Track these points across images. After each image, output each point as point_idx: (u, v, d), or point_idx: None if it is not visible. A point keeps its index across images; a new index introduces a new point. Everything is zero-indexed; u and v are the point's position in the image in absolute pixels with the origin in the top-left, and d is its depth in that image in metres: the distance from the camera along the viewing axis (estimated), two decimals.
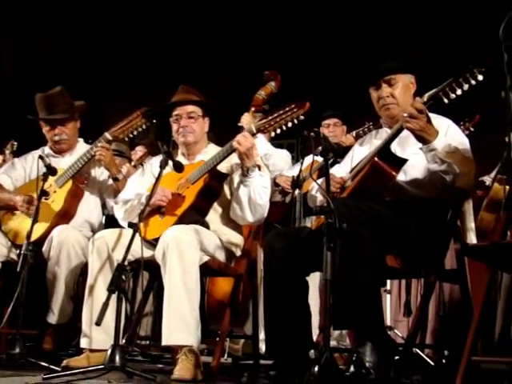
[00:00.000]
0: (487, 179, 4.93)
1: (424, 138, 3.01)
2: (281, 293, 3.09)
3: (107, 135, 4.09)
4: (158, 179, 3.32)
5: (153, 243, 3.42)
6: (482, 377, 3.17)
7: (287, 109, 3.35)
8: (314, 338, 3.27)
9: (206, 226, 3.56)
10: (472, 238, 4.46)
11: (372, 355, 2.73)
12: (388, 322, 4.54)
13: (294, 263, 3.10)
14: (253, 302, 3.94)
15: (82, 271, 3.86)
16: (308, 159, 4.30)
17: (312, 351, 2.73)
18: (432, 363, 3.85)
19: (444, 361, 4.00)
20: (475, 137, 3.56)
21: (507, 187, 4.44)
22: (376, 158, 3.12)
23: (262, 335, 3.86)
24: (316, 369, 2.30)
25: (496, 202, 4.90)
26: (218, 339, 3.60)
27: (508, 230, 3.30)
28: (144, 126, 4.05)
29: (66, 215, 4.13)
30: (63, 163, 4.27)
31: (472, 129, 4.83)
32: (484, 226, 4.99)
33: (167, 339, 3.16)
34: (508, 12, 2.07)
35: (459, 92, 2.91)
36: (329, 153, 2.93)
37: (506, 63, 2.05)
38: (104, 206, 4.38)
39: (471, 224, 4.55)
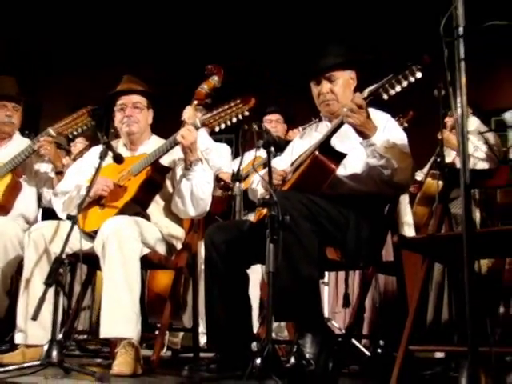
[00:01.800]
0: (419, 175, 4.99)
1: (364, 132, 3.01)
2: (222, 285, 3.07)
3: (50, 130, 3.95)
4: (97, 170, 3.22)
5: (92, 235, 3.32)
6: (417, 364, 3.19)
7: (232, 104, 3.32)
8: (254, 331, 3.25)
9: (147, 218, 3.49)
10: (406, 231, 4.51)
11: (312, 346, 2.72)
12: (326, 313, 4.54)
13: (234, 256, 3.08)
14: (193, 295, 3.89)
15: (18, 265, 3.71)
16: (249, 154, 4.27)
17: (254, 343, 2.70)
18: (368, 353, 3.87)
19: (380, 350, 4.02)
20: (409, 133, 3.57)
21: (440, 182, 4.50)
22: (317, 152, 3.11)
23: (201, 328, 3.82)
24: (258, 361, 2.26)
25: (429, 196, 4.99)
26: (157, 332, 3.54)
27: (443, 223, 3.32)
28: (89, 125, 3.93)
29: (2, 208, 3.98)
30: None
31: (406, 124, 4.87)
32: (418, 220, 5.08)
33: (106, 332, 3.06)
34: (446, 9, 2.04)
35: (398, 88, 2.94)
36: (271, 145, 2.91)
37: (446, 59, 2.02)
38: (40, 198, 4.24)
39: (406, 218, 4.61)
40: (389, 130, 3.22)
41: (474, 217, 4.48)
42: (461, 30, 1.99)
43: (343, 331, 4.39)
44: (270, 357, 2.28)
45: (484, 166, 4.45)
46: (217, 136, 4.73)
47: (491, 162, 4.42)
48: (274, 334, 4.33)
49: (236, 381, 2.37)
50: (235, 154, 5.26)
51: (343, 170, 3.18)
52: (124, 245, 3.11)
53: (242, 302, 3.10)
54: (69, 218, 3.04)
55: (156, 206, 3.57)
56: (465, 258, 1.94)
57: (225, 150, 4.66)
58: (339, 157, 3.10)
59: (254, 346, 2.40)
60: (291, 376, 2.47)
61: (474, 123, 4.79)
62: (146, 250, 3.33)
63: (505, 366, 1.49)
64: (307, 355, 2.68)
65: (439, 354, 3.91)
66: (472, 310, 1.91)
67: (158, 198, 3.57)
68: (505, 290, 3.84)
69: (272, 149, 2.97)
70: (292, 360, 2.68)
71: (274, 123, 5.16)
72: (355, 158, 3.14)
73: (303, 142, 3.59)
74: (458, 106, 2.02)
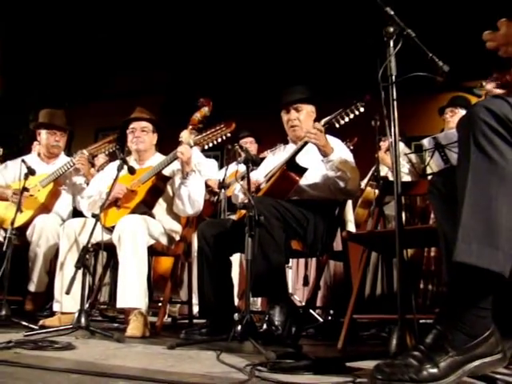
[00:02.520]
0: (361, 184, 5.03)
1: (325, 151, 3.07)
2: (210, 269, 3.06)
3: (85, 151, 4.02)
4: (115, 179, 3.22)
5: (110, 229, 3.31)
6: (357, 327, 3.23)
7: (217, 127, 3.34)
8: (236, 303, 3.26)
9: (153, 216, 3.47)
10: (349, 227, 4.54)
11: (280, 316, 2.74)
12: (290, 290, 4.56)
13: (220, 246, 3.08)
14: (188, 276, 3.90)
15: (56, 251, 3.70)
16: (231, 167, 4.31)
17: (236, 314, 2.72)
18: (321, 320, 3.89)
19: (330, 318, 4.05)
20: (354, 153, 3.62)
21: (376, 190, 4.54)
22: (285, 167, 3.14)
23: (194, 300, 3.81)
24: (239, 327, 2.27)
25: (368, 201, 5.02)
26: (160, 304, 3.54)
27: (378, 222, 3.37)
28: (114, 148, 3.96)
29: (45, 208, 3.99)
30: (48, 169, 4.14)
31: (352, 147, 4.90)
32: (358, 218, 5.11)
33: (122, 303, 3.06)
34: (384, 60, 2.07)
35: (347, 119, 2.99)
36: (249, 162, 2.92)
37: (383, 99, 2.05)
38: (73, 200, 4.24)
39: (349, 217, 4.63)
40: (341, 151, 3.26)
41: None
42: (393, 77, 2.03)
43: (303, 303, 4.40)
44: (248, 324, 2.29)
45: (408, 178, 4.51)
46: (207, 152, 4.75)
47: (413, 176, 4.48)
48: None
49: (222, 342, 2.38)
50: (221, 166, 5.28)
51: (305, 181, 3.20)
52: (135, 237, 3.11)
53: (226, 282, 3.10)
54: (93, 216, 3.03)
55: (159, 207, 3.55)
56: (397, 248, 1.96)
57: (212, 164, 4.68)
58: (302, 171, 3.14)
59: (236, 316, 2.41)
60: (264, 338, 2.48)
61: (401, 147, 4.86)
62: (152, 241, 3.33)
63: (425, 328, 1.52)
64: (276, 322, 2.70)
65: None
66: (401, 287, 1.94)
67: (161, 200, 3.55)
68: (425, 271, 3.89)
69: (250, 164, 3.00)
70: (264, 326, 2.70)
71: (248, 144, 5.19)
72: (314, 172, 3.17)
73: (274, 158, 3.60)
74: (391, 134, 2.05)
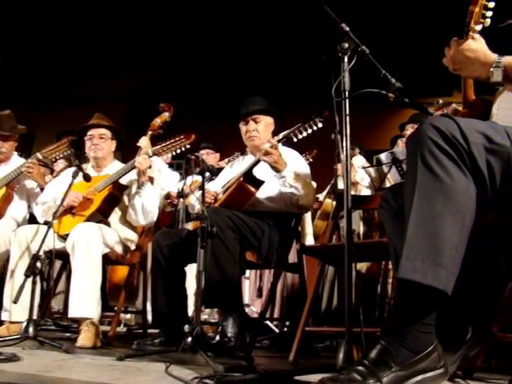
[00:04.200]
0: (320, 196, 5.06)
1: (277, 168, 3.06)
2: (164, 280, 3.02)
3: (38, 155, 3.86)
4: (70, 186, 3.18)
5: (64, 237, 3.24)
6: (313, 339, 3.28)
7: (177, 138, 3.34)
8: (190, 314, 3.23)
9: (108, 225, 3.43)
10: (308, 240, 4.55)
11: (233, 327, 2.72)
12: (246, 300, 4.54)
13: (175, 256, 3.04)
14: (143, 285, 3.86)
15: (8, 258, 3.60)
16: (191, 177, 4.28)
17: (187, 326, 2.67)
18: (277, 331, 3.88)
19: (286, 329, 4.05)
20: (313, 165, 3.65)
21: (334, 203, 4.57)
22: (242, 179, 3.13)
23: (149, 308, 3.76)
24: (189, 339, 2.24)
25: (326, 213, 5.05)
26: (114, 314, 3.49)
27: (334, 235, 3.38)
28: (68, 152, 3.86)
29: None
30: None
31: (311, 160, 4.93)
32: (318, 230, 5.13)
33: (73, 312, 3.02)
34: (338, 75, 2.08)
35: (305, 134, 3.02)
36: (205, 172, 2.90)
37: (336, 112, 2.06)
38: (29, 206, 4.12)
39: (308, 229, 4.65)
40: (297, 164, 3.27)
41: (359, 230, 4.58)
42: (346, 93, 2.04)
43: (257, 313, 4.39)
44: (199, 336, 2.26)
45: (368, 192, 4.56)
46: (171, 160, 4.76)
47: (372, 189, 4.53)
48: (206, 316, 4.38)
49: (173, 354, 2.35)
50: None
51: (261, 193, 3.18)
52: (89, 245, 3.06)
53: (180, 292, 3.06)
54: (45, 223, 2.98)
55: (115, 215, 3.51)
56: (345, 261, 1.96)
57: (173, 175, 4.65)
58: (259, 183, 3.13)
59: (187, 327, 2.38)
60: (216, 350, 2.46)
61: (361, 160, 4.91)
62: (107, 250, 3.29)
63: (373, 341, 1.53)
64: (229, 334, 2.67)
65: None
66: (349, 301, 1.93)
67: (116, 209, 3.51)
68: (382, 284, 3.92)
69: (207, 174, 2.99)
70: (217, 337, 2.68)
71: (205, 155, 5.17)
72: (271, 185, 3.16)
73: (232, 170, 3.58)
74: (343, 148, 2.06)
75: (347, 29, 2.03)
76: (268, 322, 4.04)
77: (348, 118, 2.01)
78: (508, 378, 1.90)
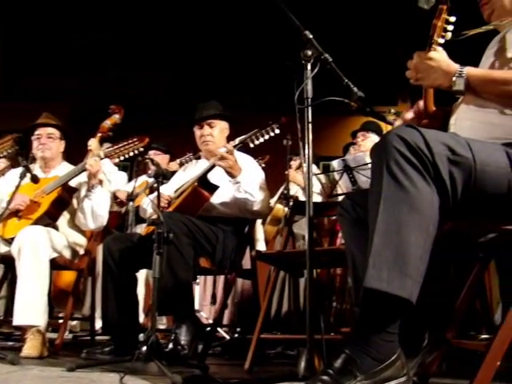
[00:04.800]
0: (271, 201, 5.07)
1: (232, 173, 3.04)
2: (115, 285, 2.93)
3: None
4: (17, 188, 3.03)
5: (9, 241, 3.11)
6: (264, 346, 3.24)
7: (130, 141, 3.26)
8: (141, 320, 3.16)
9: (56, 228, 3.30)
10: (259, 246, 4.54)
11: (186, 335, 2.67)
12: (196, 306, 4.48)
13: (126, 262, 2.95)
14: (91, 291, 3.73)
15: None
16: (140, 179, 4.21)
17: (142, 334, 2.61)
18: (228, 337, 3.85)
19: (237, 335, 4.02)
20: (266, 170, 3.64)
21: (286, 209, 4.58)
22: (196, 184, 3.09)
23: (98, 314, 3.65)
24: (144, 348, 2.18)
25: (277, 218, 5.06)
26: (61, 321, 3.37)
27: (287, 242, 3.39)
28: (12, 150, 3.69)
29: None
30: None
31: (264, 165, 4.92)
32: (268, 235, 5.13)
33: (19, 320, 2.86)
34: (301, 83, 2.08)
35: (261, 140, 3.02)
36: (160, 176, 2.85)
37: (298, 119, 2.06)
38: None
39: (259, 235, 4.64)
40: (252, 170, 3.26)
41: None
42: (309, 100, 2.04)
43: (210, 320, 4.34)
44: (154, 345, 2.20)
45: (319, 198, 4.59)
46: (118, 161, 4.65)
47: (323, 196, 4.56)
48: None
49: (126, 363, 2.28)
50: (130, 177, 5.14)
51: (216, 199, 3.15)
52: (36, 250, 2.93)
53: (131, 298, 2.98)
54: None
55: (64, 219, 3.38)
56: (307, 269, 1.95)
57: (122, 176, 4.56)
58: (213, 188, 3.09)
59: (142, 336, 2.31)
60: (169, 358, 2.40)
61: (312, 167, 4.95)
62: (55, 254, 3.15)
63: (332, 348, 1.52)
64: (182, 342, 2.62)
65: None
66: (310, 308, 1.92)
67: (65, 212, 3.39)
68: (329, 289, 3.94)
69: (160, 179, 2.93)
70: (170, 345, 2.62)
71: (153, 155, 5.10)
72: (225, 190, 3.13)
73: (185, 174, 3.53)
74: (305, 156, 2.06)
75: (310, 36, 2.02)
76: (218, 328, 4.00)
77: (310, 125, 2.00)
78: (461, 383, 1.94)
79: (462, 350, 2.07)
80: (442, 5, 1.74)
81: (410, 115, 1.99)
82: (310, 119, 2.03)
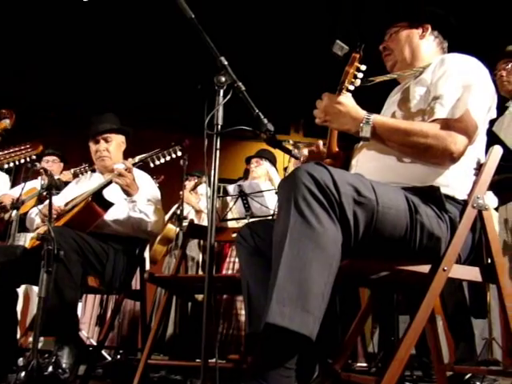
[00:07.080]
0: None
1: (128, 191, 2.96)
2: None
3: None
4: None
5: None
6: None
7: (23, 147, 3.03)
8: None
9: None
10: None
11: (69, 358, 2.51)
12: None
13: (7, 276, 2.72)
14: None
15: None
16: (29, 184, 3.96)
17: (21, 359, 2.41)
18: (109, 358, 3.69)
19: (119, 357, 3.86)
20: (161, 189, 3.56)
21: (177, 229, 4.51)
22: (90, 199, 2.94)
23: None
24: (23, 374, 2.01)
25: (167, 238, 4.97)
26: None
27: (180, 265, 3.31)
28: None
29: None
30: None
31: (158, 184, 4.83)
32: (156, 255, 5.02)
33: None
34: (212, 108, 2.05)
35: (162, 160, 2.93)
36: (52, 188, 2.68)
37: (206, 146, 2.01)
38: None
39: (145, 254, 4.51)
40: (149, 189, 3.19)
41: (198, 258, 4.57)
42: (219, 127, 2.01)
43: (91, 340, 4.12)
44: (34, 370, 2.03)
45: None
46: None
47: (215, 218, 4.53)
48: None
49: None
50: (13, 182, 4.83)
51: (109, 216, 3.02)
52: None
53: (10, 317, 2.75)
54: None
55: None
56: (205, 294, 1.87)
57: (5, 178, 4.28)
58: (108, 205, 2.96)
59: (21, 361, 2.11)
60: (49, 383, 2.24)
61: (206, 189, 4.93)
62: None
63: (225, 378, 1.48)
64: (64, 365, 2.45)
65: None
66: (207, 334, 1.85)
67: None
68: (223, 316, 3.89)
69: (54, 188, 2.77)
70: (50, 369, 2.45)
71: (50, 163, 4.83)
72: (120, 208, 3.02)
73: (78, 187, 3.36)
74: (212, 182, 2.02)
75: (226, 63, 2.00)
76: (103, 351, 3.82)
77: (218, 152, 1.97)
78: None
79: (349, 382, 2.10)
80: (356, 53, 1.81)
81: (305, 152, 2.04)
82: (219, 146, 1.99)
